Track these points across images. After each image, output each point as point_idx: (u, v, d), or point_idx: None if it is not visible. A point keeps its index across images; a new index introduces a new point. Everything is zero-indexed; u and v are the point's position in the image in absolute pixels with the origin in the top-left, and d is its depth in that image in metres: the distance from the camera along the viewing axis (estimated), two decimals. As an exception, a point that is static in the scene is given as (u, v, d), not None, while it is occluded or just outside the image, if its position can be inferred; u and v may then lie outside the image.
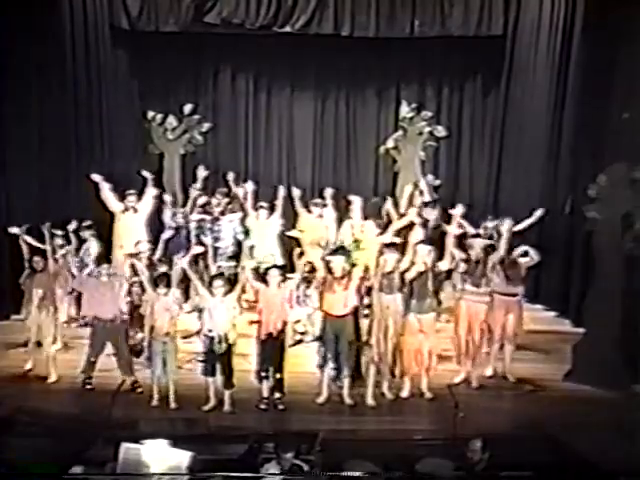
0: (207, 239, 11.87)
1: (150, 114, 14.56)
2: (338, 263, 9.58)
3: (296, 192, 12.50)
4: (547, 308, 12.49)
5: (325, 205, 12.59)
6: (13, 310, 11.85)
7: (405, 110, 14.50)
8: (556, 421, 8.91)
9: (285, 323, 9.48)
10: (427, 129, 14.48)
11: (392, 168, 14.87)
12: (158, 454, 6.57)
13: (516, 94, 13.93)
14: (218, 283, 9.41)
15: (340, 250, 10.26)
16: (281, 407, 9.43)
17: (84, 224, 11.68)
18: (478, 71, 14.94)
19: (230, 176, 13.03)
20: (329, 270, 9.58)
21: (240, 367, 9.70)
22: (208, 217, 12.54)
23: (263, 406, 9.47)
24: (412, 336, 9.64)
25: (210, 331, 9.28)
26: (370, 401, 9.62)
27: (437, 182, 14.63)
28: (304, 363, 10.23)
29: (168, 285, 9.58)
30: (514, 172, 13.96)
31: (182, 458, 6.54)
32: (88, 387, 9.85)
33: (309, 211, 12.56)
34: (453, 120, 15.23)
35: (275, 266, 10.04)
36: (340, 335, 9.45)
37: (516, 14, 13.67)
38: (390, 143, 14.66)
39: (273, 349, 9.38)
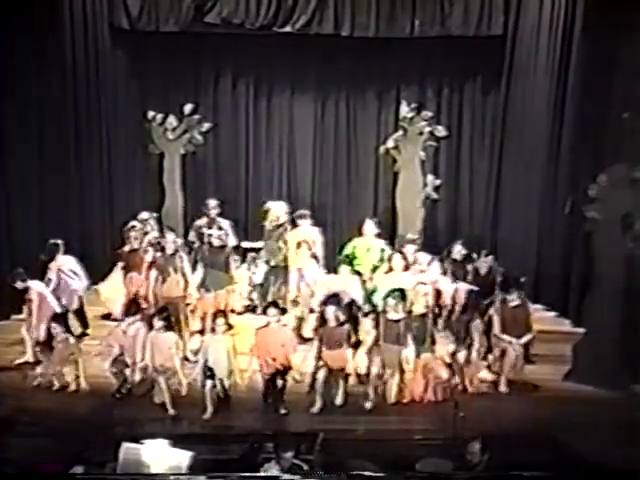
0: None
1: (150, 114, 14.54)
2: (330, 313, 9.63)
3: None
4: (547, 308, 12.49)
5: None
6: (13, 310, 11.88)
7: (405, 110, 14.47)
8: (556, 421, 8.91)
9: (286, 369, 9.48)
10: (427, 129, 14.44)
11: (392, 168, 14.86)
12: (158, 454, 6.57)
13: (516, 94, 13.93)
14: (220, 321, 9.49)
15: (332, 298, 10.28)
16: (284, 412, 9.44)
17: (50, 242, 11.39)
18: (478, 71, 14.92)
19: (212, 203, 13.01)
20: (323, 320, 9.68)
21: (240, 366, 9.70)
22: (205, 220, 12.57)
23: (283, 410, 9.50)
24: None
25: (210, 372, 9.34)
26: (368, 405, 9.61)
27: (437, 182, 14.63)
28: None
29: (167, 321, 9.63)
30: (514, 172, 13.96)
31: (182, 458, 6.54)
32: (118, 396, 9.77)
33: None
34: (453, 120, 15.22)
35: (273, 304, 10.09)
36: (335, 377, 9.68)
37: (516, 14, 13.66)
38: (390, 143, 14.62)
39: (279, 377, 9.47)
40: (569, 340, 10.93)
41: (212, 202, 12.94)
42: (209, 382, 9.33)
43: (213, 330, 9.65)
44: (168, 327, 9.59)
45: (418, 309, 9.93)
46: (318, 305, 10.45)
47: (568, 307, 12.26)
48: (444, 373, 9.69)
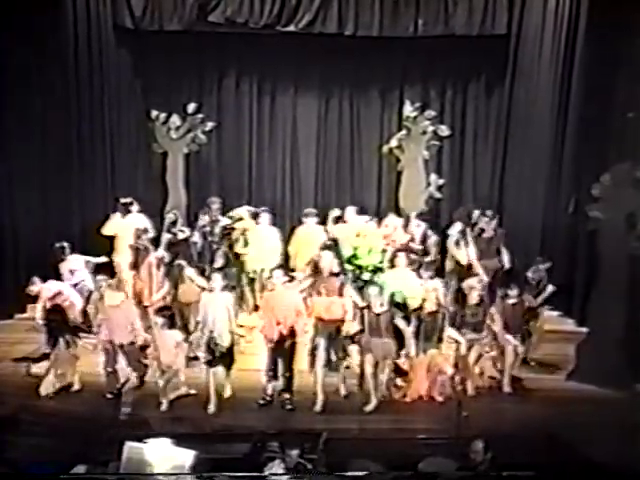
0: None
1: (154, 113, 14.54)
2: (327, 259, 9.52)
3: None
4: (551, 307, 12.46)
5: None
6: (17, 309, 11.90)
7: (409, 109, 14.47)
8: (559, 420, 8.90)
9: (294, 332, 9.36)
10: (431, 128, 14.44)
11: (395, 167, 14.86)
12: (162, 453, 6.57)
13: (520, 93, 13.91)
14: (216, 277, 9.46)
15: (330, 246, 10.20)
16: (289, 407, 9.41)
17: (56, 245, 11.43)
18: (482, 70, 14.91)
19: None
20: (318, 268, 9.58)
21: (243, 366, 9.70)
22: (207, 218, 12.52)
23: (261, 401, 9.45)
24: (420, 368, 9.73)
25: (211, 332, 9.26)
26: (370, 407, 9.54)
27: (441, 181, 14.62)
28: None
29: (171, 319, 9.64)
30: (518, 171, 13.94)
31: (186, 457, 6.54)
32: (109, 396, 9.71)
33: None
34: (457, 119, 15.22)
35: (279, 267, 10.01)
36: (333, 342, 9.46)
37: (520, 13, 13.65)
38: (394, 142, 14.62)
39: (283, 349, 9.35)
40: (573, 339, 10.93)
41: (214, 201, 12.91)
42: (212, 371, 9.35)
43: (210, 289, 9.57)
44: (170, 325, 9.57)
45: (429, 306, 9.82)
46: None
47: (572, 306, 12.26)
48: (449, 369, 9.66)
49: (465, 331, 9.86)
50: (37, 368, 10.11)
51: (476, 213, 12.76)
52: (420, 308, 9.87)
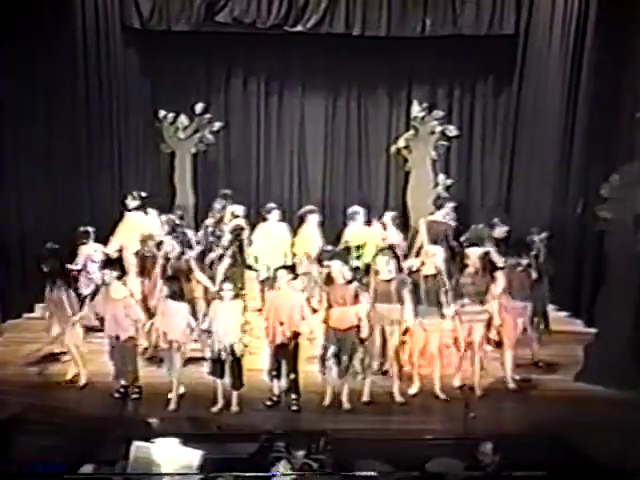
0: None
1: (161, 113, 14.61)
2: (336, 268, 9.45)
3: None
4: (559, 308, 12.44)
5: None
6: (25, 309, 11.92)
7: (416, 109, 14.48)
8: (567, 421, 8.87)
9: (296, 332, 9.25)
10: (439, 128, 14.45)
11: (403, 167, 14.86)
12: (169, 453, 6.57)
13: (528, 93, 13.90)
14: (227, 287, 9.38)
15: (337, 255, 10.14)
16: (295, 408, 9.36)
17: (81, 229, 11.34)
18: (490, 70, 14.93)
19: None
20: (330, 278, 9.46)
21: (250, 365, 9.69)
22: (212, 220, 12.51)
23: (268, 402, 9.43)
24: (417, 336, 9.58)
25: (219, 342, 9.18)
26: (365, 398, 9.51)
27: (448, 181, 14.61)
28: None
29: (182, 297, 9.54)
30: (526, 171, 13.94)
31: (193, 457, 6.54)
32: (117, 395, 9.66)
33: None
34: (465, 119, 15.22)
35: (284, 267, 9.98)
36: (343, 346, 9.29)
37: (528, 13, 13.65)
38: (401, 142, 14.64)
39: (286, 351, 9.27)
40: (580, 340, 10.90)
41: (218, 204, 12.89)
42: (219, 380, 9.31)
43: (220, 297, 9.39)
44: (177, 296, 9.42)
45: (428, 270, 9.57)
46: (317, 256, 10.54)
47: (580, 307, 12.22)
48: (434, 344, 9.53)
49: (465, 302, 9.70)
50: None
51: None
52: (417, 271, 9.68)
